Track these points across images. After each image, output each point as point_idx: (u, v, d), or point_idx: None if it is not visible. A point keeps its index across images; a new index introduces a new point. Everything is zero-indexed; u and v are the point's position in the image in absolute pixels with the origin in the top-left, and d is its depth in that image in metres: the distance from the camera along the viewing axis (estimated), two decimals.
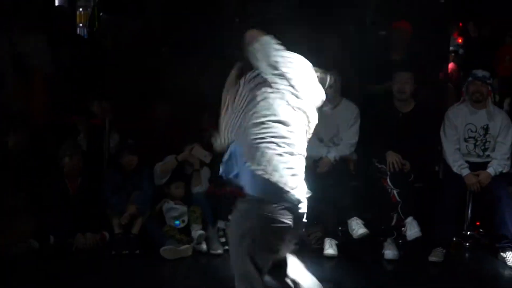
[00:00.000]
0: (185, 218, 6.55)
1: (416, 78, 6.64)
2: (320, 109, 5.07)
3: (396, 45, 7.41)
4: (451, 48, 10.01)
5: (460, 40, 12.11)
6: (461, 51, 11.35)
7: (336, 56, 7.57)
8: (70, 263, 6.19)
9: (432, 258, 6.34)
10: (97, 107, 7.07)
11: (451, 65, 10.59)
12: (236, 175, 3.85)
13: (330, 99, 6.71)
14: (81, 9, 9.93)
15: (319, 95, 3.93)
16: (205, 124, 7.49)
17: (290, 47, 8.37)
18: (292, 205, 3.66)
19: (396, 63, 7.14)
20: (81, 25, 9.85)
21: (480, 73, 6.58)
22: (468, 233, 6.99)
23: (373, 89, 7.23)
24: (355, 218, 6.32)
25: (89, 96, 7.19)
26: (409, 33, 7.46)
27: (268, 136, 3.63)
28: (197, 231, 6.45)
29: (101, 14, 8.95)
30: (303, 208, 3.74)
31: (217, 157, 7.08)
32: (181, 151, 6.83)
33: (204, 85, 8.10)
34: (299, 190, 3.70)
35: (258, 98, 3.71)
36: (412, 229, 6.25)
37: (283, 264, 3.92)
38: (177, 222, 6.53)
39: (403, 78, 6.59)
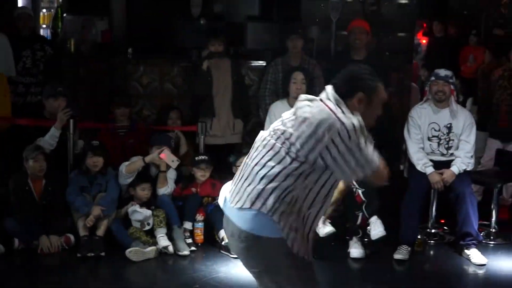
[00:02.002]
0: (150, 221, 6.52)
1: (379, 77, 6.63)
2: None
3: (354, 45, 7.42)
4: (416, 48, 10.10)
5: (424, 40, 12.22)
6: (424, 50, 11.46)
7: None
8: (36, 266, 6.14)
9: (397, 256, 6.38)
10: (52, 104, 6.96)
11: (415, 65, 10.68)
12: None
13: (297, 97, 6.78)
14: (44, 10, 9.85)
15: None
16: (171, 125, 7.49)
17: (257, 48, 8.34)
18: None
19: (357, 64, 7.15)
20: (44, 26, 9.78)
21: (442, 72, 6.62)
22: (433, 230, 7.06)
23: None
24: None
25: (45, 92, 7.11)
26: (367, 32, 7.47)
27: None
28: (161, 239, 6.42)
29: (64, 15, 8.89)
30: None
31: (183, 160, 7.14)
32: (147, 152, 6.81)
33: (170, 86, 8.12)
34: None
35: None
36: (376, 229, 6.28)
37: None
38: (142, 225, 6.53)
39: None
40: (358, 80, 3.57)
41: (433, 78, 6.67)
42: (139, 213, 6.46)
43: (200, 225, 6.68)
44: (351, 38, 7.40)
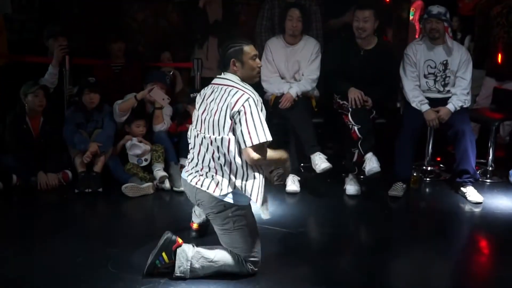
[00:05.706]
0: (148, 157, 6.56)
1: (377, 14, 6.57)
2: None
3: None
4: None
5: None
6: None
7: None
8: (34, 202, 6.18)
9: (392, 193, 6.42)
10: (53, 44, 6.94)
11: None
12: None
13: (293, 35, 6.76)
14: None
15: None
16: (166, 62, 7.47)
17: None
18: None
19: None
20: None
21: (435, 9, 6.52)
22: (429, 168, 7.10)
23: (331, 25, 7.20)
24: (318, 153, 6.30)
25: (45, 33, 7.06)
26: None
27: None
28: (159, 172, 6.46)
29: None
30: None
31: (176, 97, 7.12)
32: (142, 89, 6.79)
33: (165, 22, 8.04)
34: None
35: None
36: (371, 164, 6.21)
37: None
38: (139, 161, 6.55)
39: (363, 16, 6.47)
40: (225, 52, 4.49)
41: (426, 16, 6.60)
42: (138, 146, 6.49)
43: None
44: None
